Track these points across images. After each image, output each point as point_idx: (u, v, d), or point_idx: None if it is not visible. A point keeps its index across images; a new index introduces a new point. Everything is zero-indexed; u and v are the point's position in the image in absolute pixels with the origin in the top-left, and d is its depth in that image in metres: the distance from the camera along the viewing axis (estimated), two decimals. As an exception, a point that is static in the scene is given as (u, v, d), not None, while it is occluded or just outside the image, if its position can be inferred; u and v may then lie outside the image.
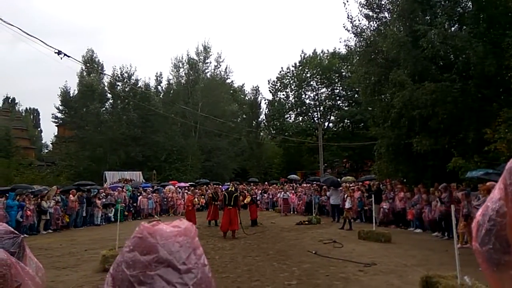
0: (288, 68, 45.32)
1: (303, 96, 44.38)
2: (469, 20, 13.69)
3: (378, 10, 17.32)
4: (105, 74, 37.55)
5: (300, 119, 44.90)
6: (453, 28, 14.90)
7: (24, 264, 1.19)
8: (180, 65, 43.31)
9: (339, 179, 27.80)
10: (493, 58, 12.31)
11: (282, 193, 23.22)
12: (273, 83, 45.94)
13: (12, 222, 14.33)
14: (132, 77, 38.28)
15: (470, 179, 12.13)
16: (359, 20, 17.80)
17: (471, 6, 14.22)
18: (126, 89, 38.26)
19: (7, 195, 15.41)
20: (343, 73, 41.76)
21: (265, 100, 47.35)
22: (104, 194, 20.96)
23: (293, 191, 23.97)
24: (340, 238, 12.31)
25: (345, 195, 17.10)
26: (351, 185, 21.02)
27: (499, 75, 12.84)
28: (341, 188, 18.62)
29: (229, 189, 14.93)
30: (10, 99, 71.60)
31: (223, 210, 14.18)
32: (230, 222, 13.49)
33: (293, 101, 44.82)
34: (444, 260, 8.28)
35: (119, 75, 37.76)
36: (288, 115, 45.40)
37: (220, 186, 26.51)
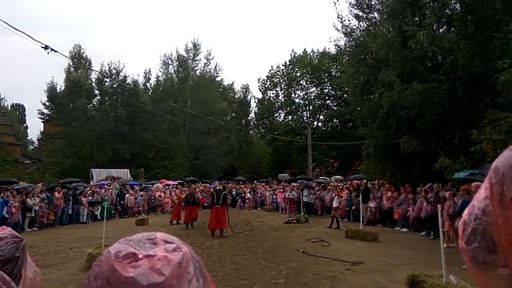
0: (278, 67, 45.46)
1: (293, 95, 44.52)
2: (457, 21, 13.85)
3: (368, 11, 17.44)
4: (92, 70, 37.20)
5: (290, 118, 45.02)
6: (441, 30, 15.07)
7: (24, 268, 1.16)
8: (169, 62, 43.06)
9: (328, 178, 28.01)
10: (480, 59, 12.49)
11: (288, 192, 21.48)
12: (263, 81, 46.02)
13: (-4, 219, 14.10)
14: (121, 74, 37.95)
15: (456, 179, 12.31)
16: (349, 20, 17.94)
17: (459, 8, 14.39)
18: (114, 86, 37.88)
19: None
20: (333, 73, 42.00)
21: (254, 98, 47.42)
22: (90, 191, 20.73)
23: (281, 190, 23.98)
24: (328, 237, 12.36)
25: (333, 194, 17.16)
26: (339, 184, 21.15)
27: (486, 76, 13.03)
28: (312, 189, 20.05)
29: (217, 188, 14.86)
30: (-5, 95, 70.34)
31: (211, 208, 14.07)
32: (218, 221, 13.43)
33: (282, 100, 44.92)
34: (430, 259, 8.37)
35: (107, 71, 37.38)
36: (277, 114, 45.49)
37: (208, 185, 26.47)
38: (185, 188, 25.28)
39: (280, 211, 22.60)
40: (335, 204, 15.97)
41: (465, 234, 0.86)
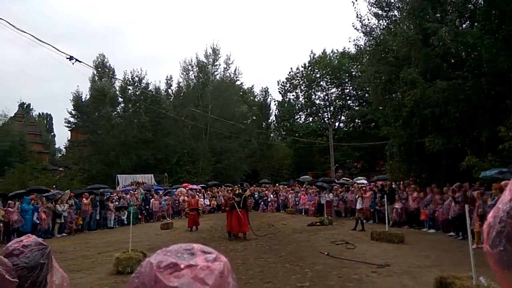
0: (297, 68, 45.18)
1: (313, 96, 44.20)
2: (480, 16, 13.50)
3: (388, 9, 17.22)
4: (116, 78, 38.01)
5: (311, 119, 44.73)
6: (464, 25, 14.73)
7: (51, 274, 1.21)
8: (190, 68, 43.54)
9: (350, 179, 27.69)
10: (505, 54, 12.13)
11: (326, 195, 20.25)
12: (282, 84, 45.91)
13: (27, 226, 14.57)
14: (143, 81, 38.64)
15: (484, 178, 11.97)
16: (368, 19, 17.75)
17: (482, 2, 14.03)
18: (137, 93, 38.60)
19: (22, 199, 15.68)
20: (353, 73, 41.50)
21: (274, 101, 47.36)
22: (117, 197, 21.18)
23: (304, 192, 23.86)
24: (353, 239, 12.22)
25: (356, 196, 16.92)
26: (363, 185, 20.88)
27: (512, 71, 12.65)
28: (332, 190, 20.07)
29: (237, 191, 14.86)
30: (25, 105, 72.72)
31: (232, 212, 13.81)
32: (240, 224, 13.44)
33: (303, 101, 44.68)
34: (459, 261, 8.15)
35: (130, 79, 38.13)
36: (298, 116, 45.28)
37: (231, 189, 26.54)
38: (209, 192, 25.45)
39: (303, 213, 22.48)
40: (358, 206, 15.77)
41: (490, 237, 0.86)
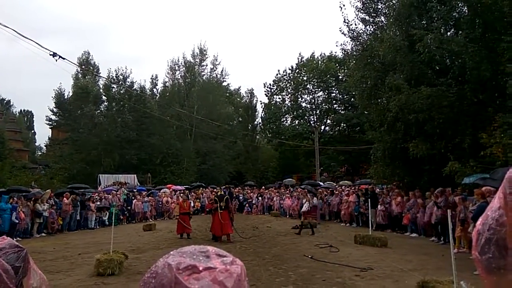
0: (284, 71, 45.38)
1: (300, 99, 44.42)
2: (465, 25, 13.77)
3: (375, 14, 17.43)
4: (100, 76, 37.50)
5: (297, 122, 44.90)
6: (449, 33, 14.99)
7: (28, 277, 1.17)
8: (176, 68, 43.38)
9: (334, 183, 27.87)
10: (488, 63, 12.39)
11: (311, 200, 18.30)
12: (269, 86, 46.00)
13: (5, 225, 14.20)
14: (128, 80, 38.23)
15: (466, 184, 12.18)
16: (355, 24, 17.93)
17: (466, 11, 14.31)
18: (122, 92, 38.16)
19: (0, 197, 15.25)
20: (340, 77, 41.87)
21: (261, 103, 47.42)
22: (98, 197, 20.83)
23: (289, 195, 23.87)
24: (336, 242, 12.27)
25: (303, 200, 16.61)
26: (347, 188, 21.00)
27: (495, 79, 12.92)
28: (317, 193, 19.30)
29: (219, 193, 14.76)
30: (5, 101, 71.19)
31: (214, 214, 13.70)
32: (222, 227, 13.33)
33: (289, 104, 44.85)
34: (441, 265, 8.26)
35: (115, 77, 37.68)
36: (284, 119, 45.40)
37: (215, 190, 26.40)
38: (193, 194, 25.23)
39: (287, 216, 22.47)
40: (305, 208, 15.56)
41: (479, 244, 0.85)
